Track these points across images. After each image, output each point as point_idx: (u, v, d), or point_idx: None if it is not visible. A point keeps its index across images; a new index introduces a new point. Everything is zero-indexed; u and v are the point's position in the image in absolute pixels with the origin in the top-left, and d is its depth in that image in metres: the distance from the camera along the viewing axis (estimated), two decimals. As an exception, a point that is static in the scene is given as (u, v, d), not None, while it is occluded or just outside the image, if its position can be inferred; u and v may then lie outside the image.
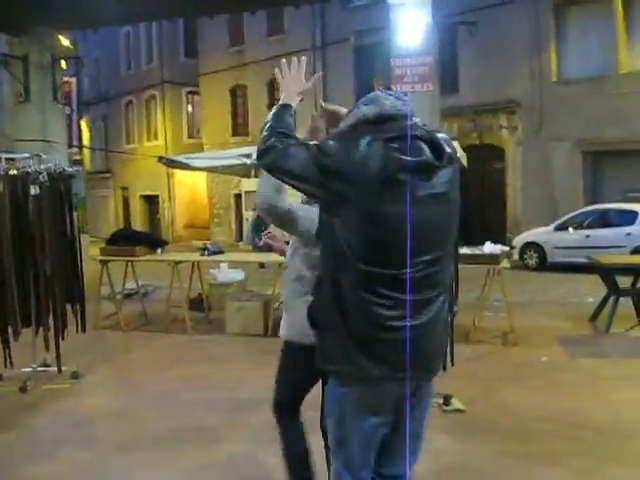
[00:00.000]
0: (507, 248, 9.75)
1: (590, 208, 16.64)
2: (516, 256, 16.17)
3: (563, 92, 18.80)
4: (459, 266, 6.35)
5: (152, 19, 21.05)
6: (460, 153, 10.80)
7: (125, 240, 9.45)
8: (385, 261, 2.36)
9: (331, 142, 2.46)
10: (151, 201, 33.67)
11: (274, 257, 10.73)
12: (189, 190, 31.89)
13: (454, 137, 17.80)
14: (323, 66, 25.27)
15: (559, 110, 18.64)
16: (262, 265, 10.09)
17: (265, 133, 2.56)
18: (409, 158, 2.33)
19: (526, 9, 19.10)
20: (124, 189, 35.19)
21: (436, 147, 2.42)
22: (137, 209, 34.40)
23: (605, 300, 8.90)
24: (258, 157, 2.55)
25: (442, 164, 2.41)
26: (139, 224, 32.20)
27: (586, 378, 6.47)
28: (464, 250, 7.93)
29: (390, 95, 2.60)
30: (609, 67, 18.26)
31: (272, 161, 2.49)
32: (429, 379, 2.60)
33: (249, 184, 24.19)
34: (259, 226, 16.90)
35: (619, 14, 18.02)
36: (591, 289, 11.64)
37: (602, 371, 6.67)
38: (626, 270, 9.32)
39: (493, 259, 7.90)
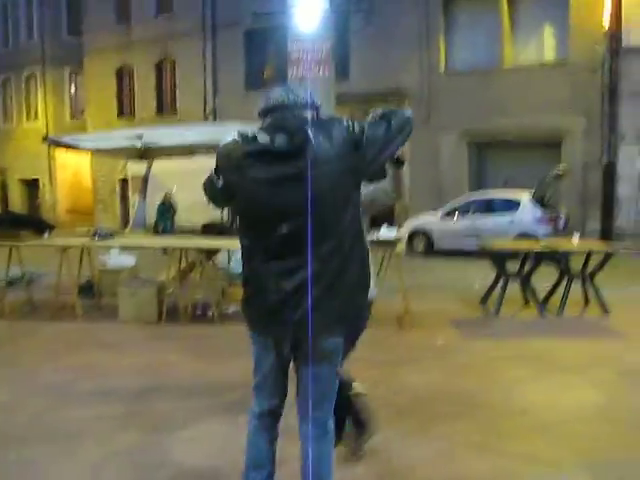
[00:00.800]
0: (401, 233, 9.95)
1: (475, 197, 17.24)
2: (404, 242, 16.52)
3: (451, 83, 19.36)
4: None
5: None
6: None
7: (7, 224, 8.98)
8: (251, 235, 2.94)
9: None
10: (31, 185, 32.22)
11: (173, 241, 10.52)
12: (72, 174, 30.73)
13: (345, 124, 17.98)
14: (213, 49, 24.91)
15: (446, 101, 19.18)
16: (165, 251, 9.85)
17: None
18: (248, 148, 2.81)
19: (417, 1, 19.49)
20: (1, 172, 33.49)
21: (294, 136, 2.78)
22: (16, 193, 32.83)
23: (494, 284, 9.24)
24: None
25: (294, 151, 2.76)
26: (18, 209, 30.76)
27: (480, 359, 6.70)
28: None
29: (288, 87, 3.05)
30: (494, 61, 18.97)
31: None
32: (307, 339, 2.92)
33: (136, 168, 23.58)
34: (164, 213, 16.50)
35: (504, 10, 18.77)
36: (478, 274, 12.06)
37: (494, 352, 6.92)
38: (513, 255, 9.70)
39: (390, 244, 8.02)
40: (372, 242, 7.96)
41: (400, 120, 3.00)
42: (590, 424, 4.85)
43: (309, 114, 2.94)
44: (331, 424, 3.21)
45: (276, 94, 2.96)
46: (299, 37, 9.76)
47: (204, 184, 3.01)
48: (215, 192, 3.00)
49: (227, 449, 4.45)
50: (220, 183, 2.92)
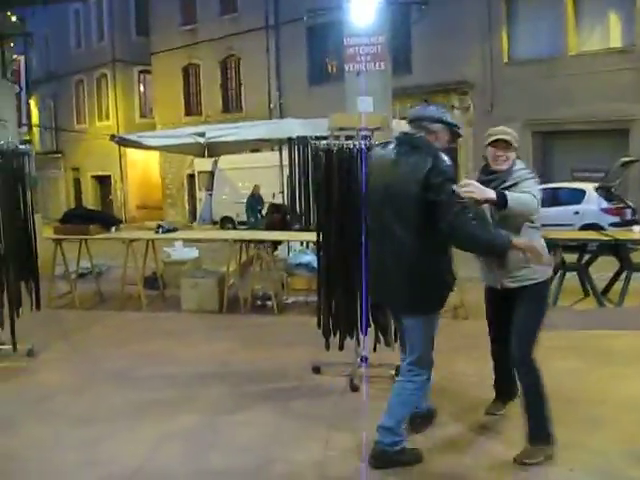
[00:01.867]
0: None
1: (541, 187, 16.99)
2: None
3: (514, 73, 19.13)
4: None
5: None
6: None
7: (78, 219, 9.41)
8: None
9: None
10: (103, 182, 33.27)
11: (234, 234, 10.80)
12: (141, 170, 31.59)
13: (405, 117, 18.01)
14: (276, 46, 25.23)
15: (510, 91, 18.97)
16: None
17: None
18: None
19: (478, -9, 19.34)
20: (75, 170, 34.67)
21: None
22: (89, 190, 33.96)
23: (553, 274, 9.15)
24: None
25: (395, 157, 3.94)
26: (91, 205, 31.81)
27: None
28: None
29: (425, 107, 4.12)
30: (558, 49, 18.63)
31: None
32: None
33: (202, 164, 24.13)
34: (254, 206, 16.72)
35: (568, -3, 18.40)
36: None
37: (549, 342, 6.81)
38: (572, 246, 9.60)
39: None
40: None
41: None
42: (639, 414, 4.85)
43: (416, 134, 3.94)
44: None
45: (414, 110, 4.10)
46: (354, 32, 9.87)
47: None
48: None
49: (276, 433, 4.65)
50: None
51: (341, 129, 5.97)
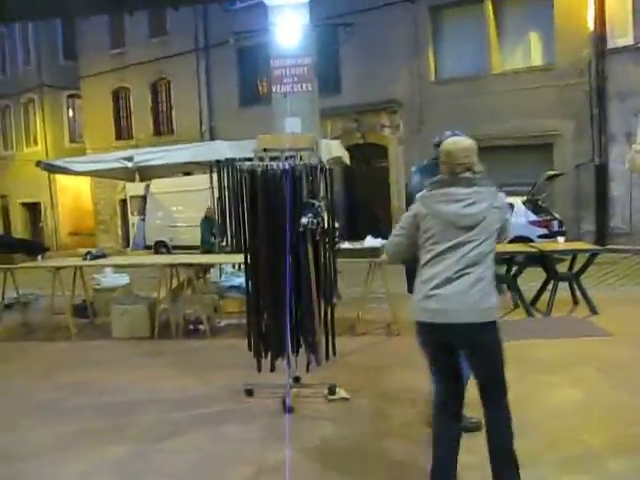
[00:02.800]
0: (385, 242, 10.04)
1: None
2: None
3: (441, 91, 19.55)
4: (339, 260, 6.53)
5: (25, 19, 20.25)
6: (343, 152, 11.05)
7: (3, 248, 9.16)
8: None
9: None
10: (32, 208, 32.47)
11: (164, 259, 10.66)
12: (72, 196, 30.98)
13: (337, 137, 18.21)
14: (207, 68, 25.20)
15: (438, 109, 19.34)
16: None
17: None
18: None
19: (404, 12, 19.73)
20: (3, 197, 33.74)
21: None
22: (18, 217, 33.08)
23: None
24: None
25: None
26: (20, 233, 31.02)
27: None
28: (345, 245, 8.15)
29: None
30: (483, 67, 19.16)
31: None
32: None
33: (134, 188, 23.79)
34: (208, 229, 16.40)
35: (490, 17, 18.97)
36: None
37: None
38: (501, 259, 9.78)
39: (374, 252, 8.16)
40: (356, 251, 8.15)
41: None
42: (566, 420, 4.95)
43: None
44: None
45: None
46: (280, 54, 9.95)
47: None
48: None
49: (208, 458, 4.59)
50: None
51: (265, 150, 5.99)
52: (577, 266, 9.27)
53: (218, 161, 9.33)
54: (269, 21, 10.05)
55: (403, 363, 6.87)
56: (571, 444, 4.39)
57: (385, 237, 9.37)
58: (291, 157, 5.61)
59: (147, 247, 23.32)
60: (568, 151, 17.79)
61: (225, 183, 9.15)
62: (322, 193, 5.60)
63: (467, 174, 3.64)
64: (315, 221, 5.25)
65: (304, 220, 5.23)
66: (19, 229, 32.08)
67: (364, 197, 20.85)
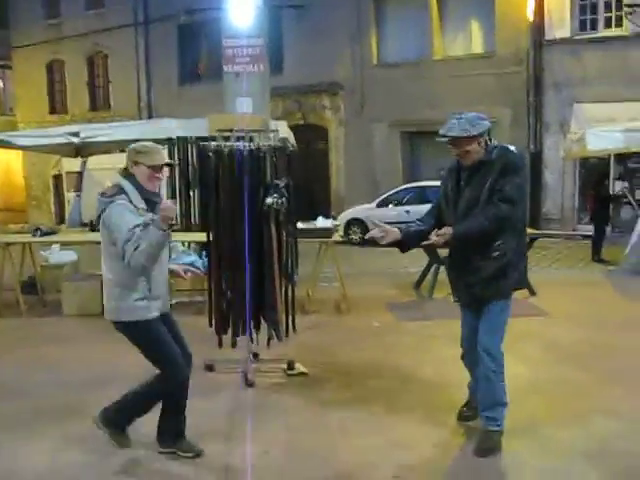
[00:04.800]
0: (337, 223, 10.29)
1: (409, 185, 17.77)
2: (341, 231, 16.89)
3: (383, 75, 19.80)
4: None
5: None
6: (287, 133, 11.15)
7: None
8: None
9: None
10: (-42, 183, 31.42)
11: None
12: (2, 171, 30.08)
13: (279, 117, 18.26)
14: (146, 43, 24.79)
15: (379, 92, 19.62)
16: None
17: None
18: None
19: (348, -5, 19.87)
20: None
21: None
22: (-57, 192, 31.97)
23: (427, 269, 9.65)
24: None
25: None
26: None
27: (414, 338, 7.09)
28: (299, 225, 8.29)
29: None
30: (425, 53, 19.49)
31: None
32: None
33: (70, 164, 23.23)
34: None
35: (433, 4, 19.27)
36: (411, 260, 12.48)
37: (427, 331, 7.33)
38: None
39: (326, 233, 8.35)
40: (308, 231, 8.32)
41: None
42: (516, 395, 5.25)
43: None
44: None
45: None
46: (233, 34, 9.97)
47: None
48: None
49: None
50: None
51: (219, 130, 6.07)
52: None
53: (170, 139, 9.35)
54: (222, 0, 10.05)
55: (354, 340, 7.13)
56: (516, 414, 4.63)
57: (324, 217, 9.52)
58: (242, 138, 5.68)
59: (83, 224, 22.89)
60: (505, 138, 18.18)
61: (177, 161, 9.24)
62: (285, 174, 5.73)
63: None
64: (280, 201, 5.39)
65: (269, 200, 5.36)
66: (-56, 204, 31.02)
67: (304, 178, 20.95)
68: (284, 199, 5.45)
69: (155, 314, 4.19)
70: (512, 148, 4.33)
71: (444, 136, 4.16)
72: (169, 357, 4.27)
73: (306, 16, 18.48)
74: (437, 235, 4.13)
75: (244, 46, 9.89)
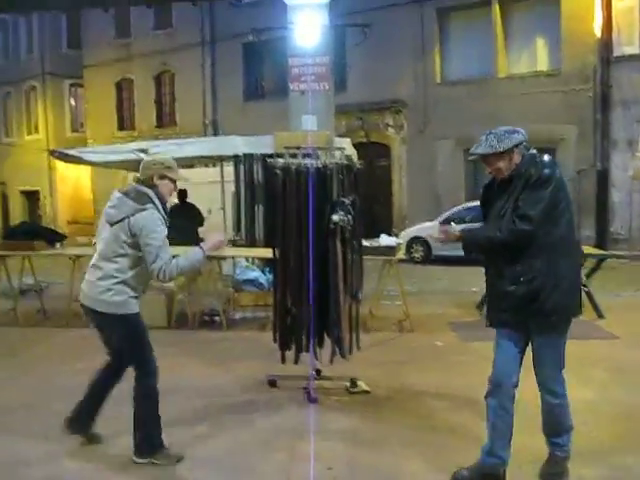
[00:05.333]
0: (401, 241, 10.27)
1: (472, 204, 17.59)
2: (403, 250, 16.80)
3: (446, 93, 19.73)
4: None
5: (41, 9, 20.16)
6: (352, 151, 11.22)
7: (23, 235, 9.28)
8: None
9: None
10: (31, 196, 32.48)
11: (181, 250, 10.75)
12: (72, 185, 31.01)
13: (342, 135, 18.35)
14: (212, 62, 25.27)
15: (442, 110, 19.55)
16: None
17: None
18: None
19: (411, 13, 19.89)
20: (2, 184, 33.74)
21: None
22: (16, 205, 33.07)
23: (490, 289, 9.51)
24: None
25: None
26: (18, 220, 30.98)
27: (477, 359, 6.96)
28: (363, 242, 8.30)
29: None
30: (489, 70, 19.34)
31: None
32: None
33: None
34: None
35: (498, 21, 19.11)
36: (474, 280, 12.35)
37: (491, 352, 7.19)
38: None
39: (390, 251, 8.34)
40: (371, 249, 8.33)
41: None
42: (577, 418, 5.13)
43: None
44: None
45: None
46: (299, 52, 10.09)
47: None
48: None
49: (239, 444, 4.76)
50: None
51: (286, 148, 6.14)
52: (582, 271, 9.46)
53: (237, 156, 9.50)
54: (288, 20, 10.19)
55: (417, 359, 7.08)
56: (583, 440, 4.53)
57: (387, 235, 9.51)
58: (309, 155, 5.74)
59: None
60: (570, 157, 17.98)
61: (244, 177, 9.38)
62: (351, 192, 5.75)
63: None
64: (346, 219, 5.41)
65: (335, 217, 5.39)
66: (17, 216, 32.06)
67: (365, 196, 21.03)
68: (350, 216, 5.47)
69: (138, 310, 4.54)
70: (544, 157, 3.99)
71: (473, 154, 4.03)
72: (149, 350, 4.57)
73: (370, 34, 18.53)
74: (441, 231, 4.16)
75: (310, 65, 10.01)
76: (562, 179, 3.92)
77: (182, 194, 11.50)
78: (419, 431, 4.97)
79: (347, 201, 5.55)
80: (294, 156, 5.73)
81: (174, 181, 4.49)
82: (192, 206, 12.13)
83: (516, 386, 4.04)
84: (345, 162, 5.72)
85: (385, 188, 21.45)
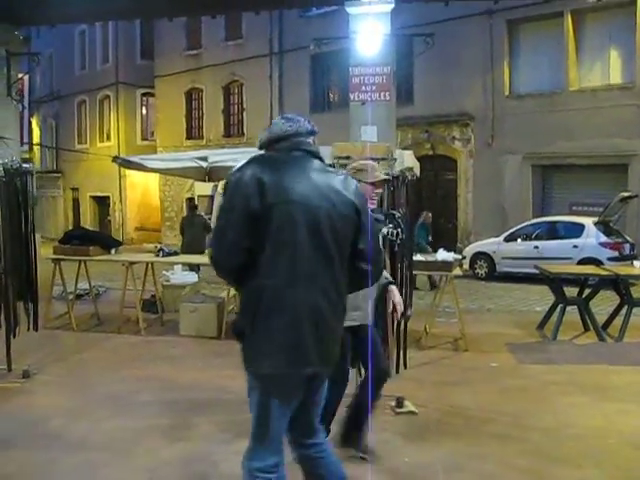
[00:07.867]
0: (459, 256, 9.98)
1: (539, 220, 17.08)
2: (466, 265, 16.43)
3: (515, 106, 19.26)
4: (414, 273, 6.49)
5: (114, 18, 20.68)
6: (414, 162, 11.00)
7: (78, 240, 9.37)
8: None
9: None
10: (102, 202, 33.23)
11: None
12: (141, 192, 31.59)
13: (407, 147, 18.10)
14: (280, 72, 25.39)
15: (511, 124, 19.08)
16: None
17: None
18: None
19: (481, 25, 19.49)
20: (74, 189, 34.65)
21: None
22: (87, 210, 33.90)
23: (552, 308, 9.16)
24: None
25: None
26: (89, 225, 31.72)
27: (534, 383, 6.66)
28: (418, 257, 8.07)
29: (283, 119, 3.22)
30: (559, 84, 18.76)
31: None
32: None
33: (202, 188, 24.07)
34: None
35: (570, 33, 18.52)
36: (538, 298, 11.97)
37: (549, 376, 6.87)
38: (572, 280, 9.63)
39: (446, 266, 8.07)
40: (429, 264, 8.08)
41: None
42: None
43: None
44: None
45: (278, 126, 3.19)
46: (360, 62, 9.94)
47: None
48: None
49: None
50: None
51: (337, 158, 5.98)
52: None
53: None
54: (350, 29, 10.06)
55: (469, 380, 6.79)
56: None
57: (454, 252, 9.27)
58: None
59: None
60: (644, 172, 17.29)
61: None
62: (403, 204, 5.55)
63: None
64: (395, 232, 5.21)
65: (385, 230, 5.19)
66: (88, 221, 32.84)
67: (431, 209, 20.68)
68: (399, 230, 5.26)
69: None
70: None
71: None
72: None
73: (437, 45, 18.26)
74: None
75: (370, 74, 9.84)
76: None
77: (192, 204, 12.32)
78: (466, 457, 4.71)
79: (398, 214, 5.35)
80: (344, 167, 5.55)
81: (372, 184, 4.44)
82: (200, 216, 13.85)
83: None
84: (396, 173, 5.51)
85: (451, 202, 21.08)
